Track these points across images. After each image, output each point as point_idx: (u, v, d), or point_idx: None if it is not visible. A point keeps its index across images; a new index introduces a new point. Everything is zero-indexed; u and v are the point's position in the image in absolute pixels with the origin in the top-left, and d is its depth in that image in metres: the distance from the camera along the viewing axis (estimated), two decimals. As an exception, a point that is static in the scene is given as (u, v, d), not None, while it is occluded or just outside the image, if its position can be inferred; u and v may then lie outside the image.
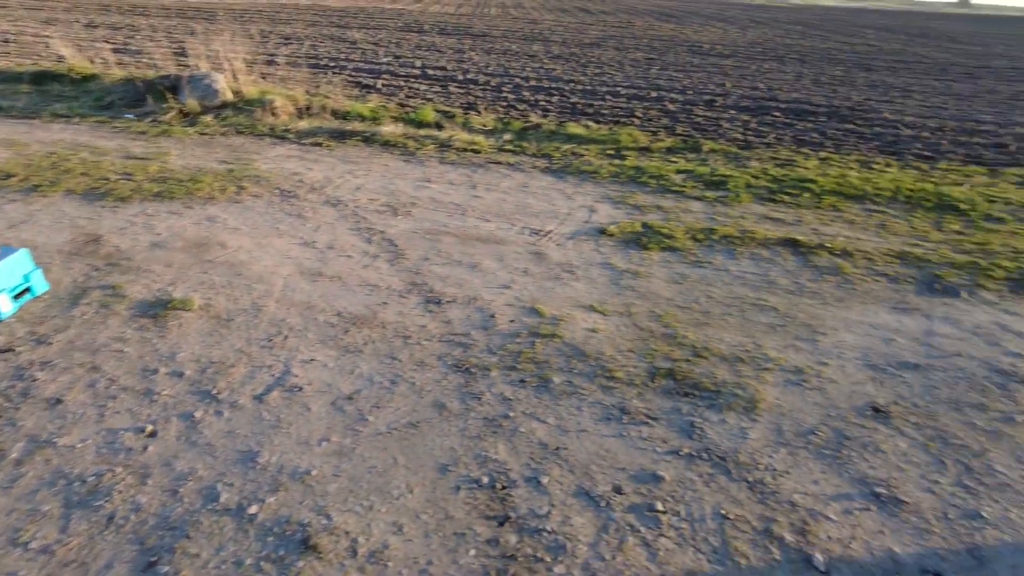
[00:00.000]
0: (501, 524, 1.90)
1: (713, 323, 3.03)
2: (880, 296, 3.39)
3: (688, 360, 2.72)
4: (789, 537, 1.91)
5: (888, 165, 5.80)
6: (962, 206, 4.79)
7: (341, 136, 5.92)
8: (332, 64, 9.66)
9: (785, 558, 1.85)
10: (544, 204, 4.40)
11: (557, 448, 2.20)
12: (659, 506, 1.99)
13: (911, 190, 5.07)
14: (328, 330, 2.81)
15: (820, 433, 2.35)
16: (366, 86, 7.98)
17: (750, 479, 2.12)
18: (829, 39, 19.03)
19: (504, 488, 2.04)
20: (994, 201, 4.97)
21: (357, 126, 6.14)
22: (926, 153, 6.36)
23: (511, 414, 2.35)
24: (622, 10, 24.18)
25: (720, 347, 2.83)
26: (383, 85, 8.04)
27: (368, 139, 5.83)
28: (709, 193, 4.74)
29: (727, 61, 12.07)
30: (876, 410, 2.50)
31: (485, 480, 2.06)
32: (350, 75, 8.70)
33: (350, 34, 14.15)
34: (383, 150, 5.60)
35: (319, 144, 5.69)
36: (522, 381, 2.52)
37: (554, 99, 7.59)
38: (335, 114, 6.46)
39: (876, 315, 3.21)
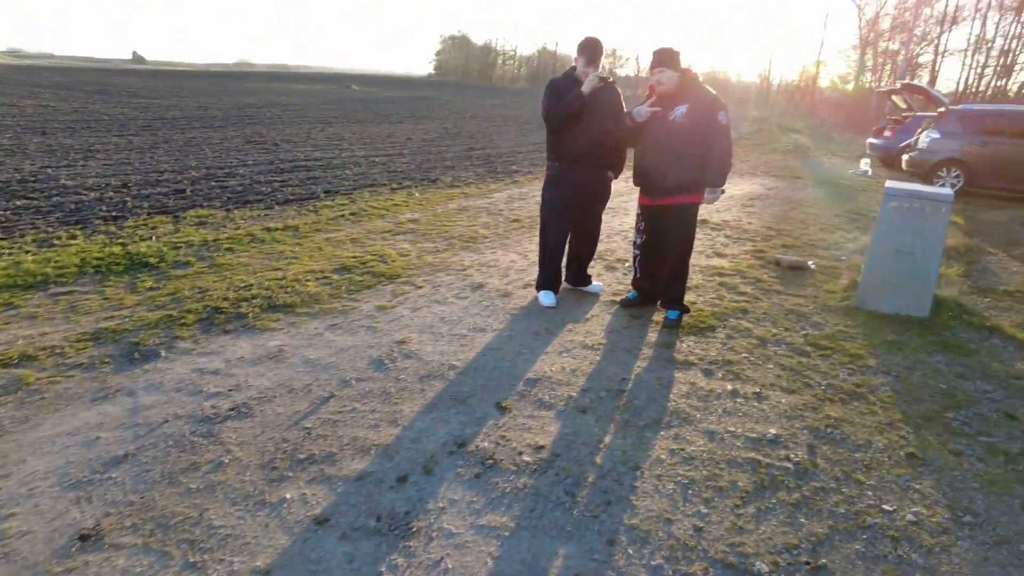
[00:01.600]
0: None
1: None
2: (77, 393, 3.01)
3: None
4: None
5: (73, 237, 5.39)
6: (152, 260, 4.86)
7: None
8: None
9: None
10: None
11: None
12: None
13: (99, 258, 4.82)
14: None
15: (9, 619, 1.82)
16: None
17: None
18: (-8, 104, 16.84)
19: None
20: (179, 247, 5.25)
21: None
22: (113, 214, 6.25)
23: None
24: None
25: None
26: None
27: None
28: None
29: None
30: (84, 538, 2.14)
31: None
32: None
33: None
34: None
35: None
36: None
37: None
38: None
39: (75, 418, 2.81)
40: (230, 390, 3.10)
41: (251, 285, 4.42)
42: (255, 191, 7.67)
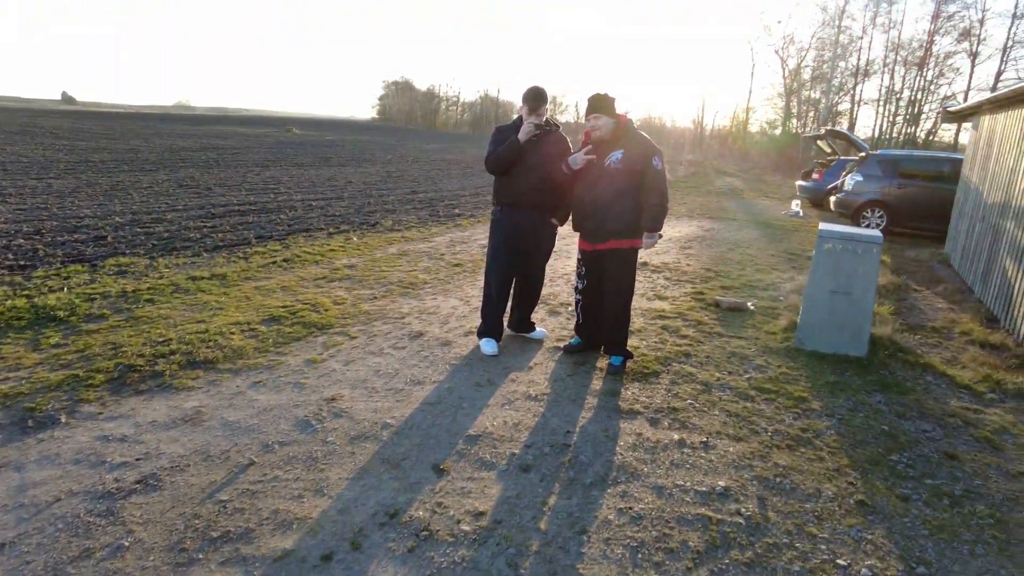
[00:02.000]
0: None
1: None
2: (-46, 470, 2.65)
3: None
4: None
5: (-29, 289, 4.93)
6: (61, 314, 4.47)
7: None
8: None
9: None
10: None
11: None
12: None
13: (-1, 313, 4.41)
14: None
15: None
16: None
17: None
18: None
19: None
20: (94, 299, 4.87)
21: None
22: (21, 263, 5.80)
23: None
24: None
25: None
26: None
27: None
28: None
29: None
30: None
31: None
32: None
33: None
34: None
35: None
36: None
37: None
38: None
39: (-53, 501, 2.46)
40: (138, 459, 2.80)
41: (170, 339, 4.09)
42: (183, 237, 7.28)
